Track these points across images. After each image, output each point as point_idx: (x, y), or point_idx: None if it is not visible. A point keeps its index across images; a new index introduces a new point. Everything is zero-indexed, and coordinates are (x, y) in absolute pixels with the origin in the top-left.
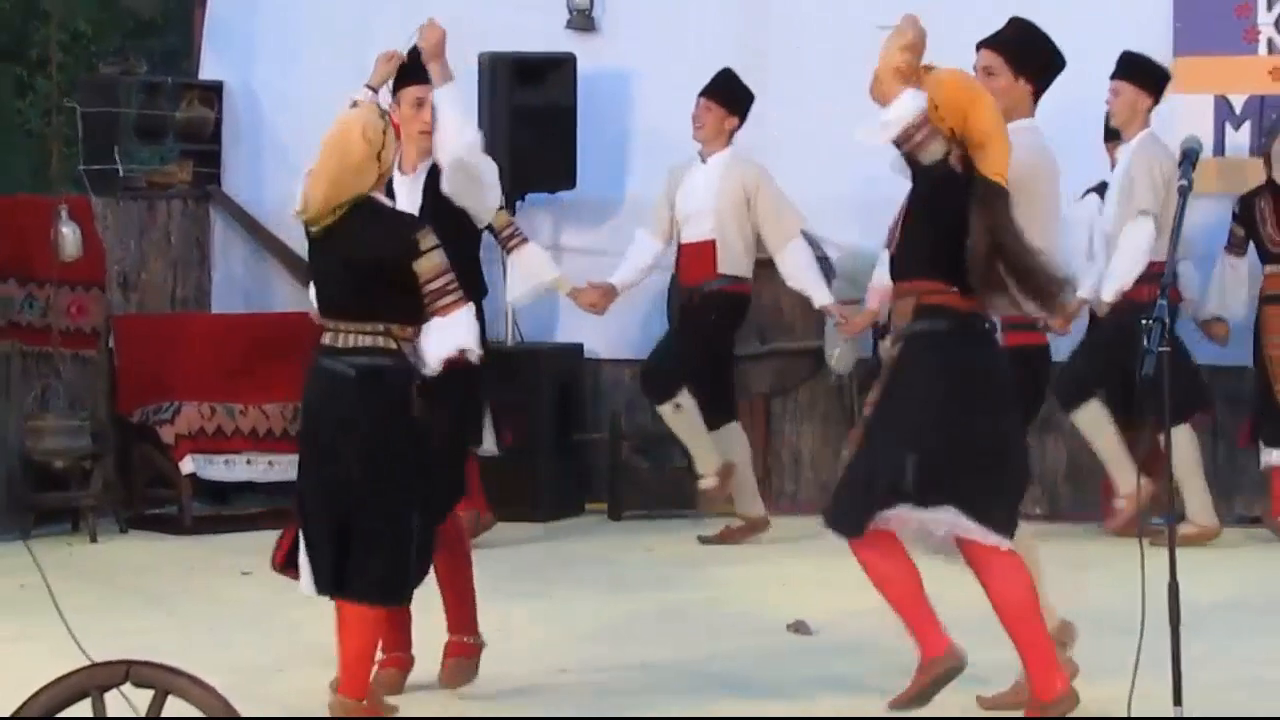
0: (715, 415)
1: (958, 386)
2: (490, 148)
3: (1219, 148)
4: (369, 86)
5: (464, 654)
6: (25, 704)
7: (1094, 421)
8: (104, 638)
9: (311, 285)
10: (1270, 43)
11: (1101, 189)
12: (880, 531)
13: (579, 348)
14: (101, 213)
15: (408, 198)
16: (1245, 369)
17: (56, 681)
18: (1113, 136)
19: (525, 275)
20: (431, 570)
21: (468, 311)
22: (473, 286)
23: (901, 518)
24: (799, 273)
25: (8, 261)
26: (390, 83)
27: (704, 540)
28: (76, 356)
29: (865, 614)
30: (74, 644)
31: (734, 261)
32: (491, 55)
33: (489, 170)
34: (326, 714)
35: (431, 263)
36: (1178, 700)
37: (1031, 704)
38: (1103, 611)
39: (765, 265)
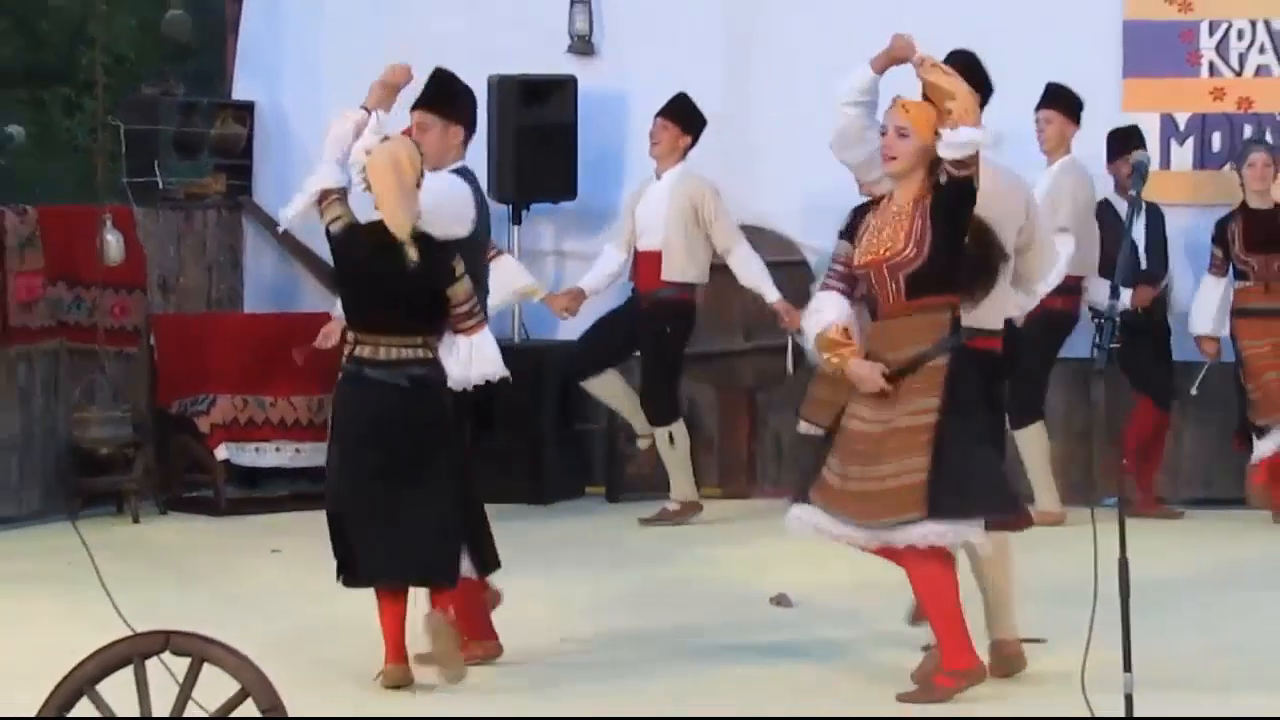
0: (666, 414)
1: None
2: (498, 162)
3: (1164, 162)
4: (365, 108)
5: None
6: (74, 670)
7: (1034, 438)
8: (145, 610)
9: (340, 300)
10: (1211, 66)
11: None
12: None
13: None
14: (142, 221)
15: None
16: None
17: (102, 650)
18: (1119, 154)
19: (501, 283)
20: None
21: (489, 336)
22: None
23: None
24: (750, 273)
25: (57, 266)
26: (387, 107)
27: (644, 521)
28: (119, 353)
29: (840, 588)
30: (118, 616)
31: (679, 270)
32: (500, 77)
33: (451, 204)
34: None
35: (463, 288)
36: (1127, 667)
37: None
38: (1060, 588)
39: (772, 269)
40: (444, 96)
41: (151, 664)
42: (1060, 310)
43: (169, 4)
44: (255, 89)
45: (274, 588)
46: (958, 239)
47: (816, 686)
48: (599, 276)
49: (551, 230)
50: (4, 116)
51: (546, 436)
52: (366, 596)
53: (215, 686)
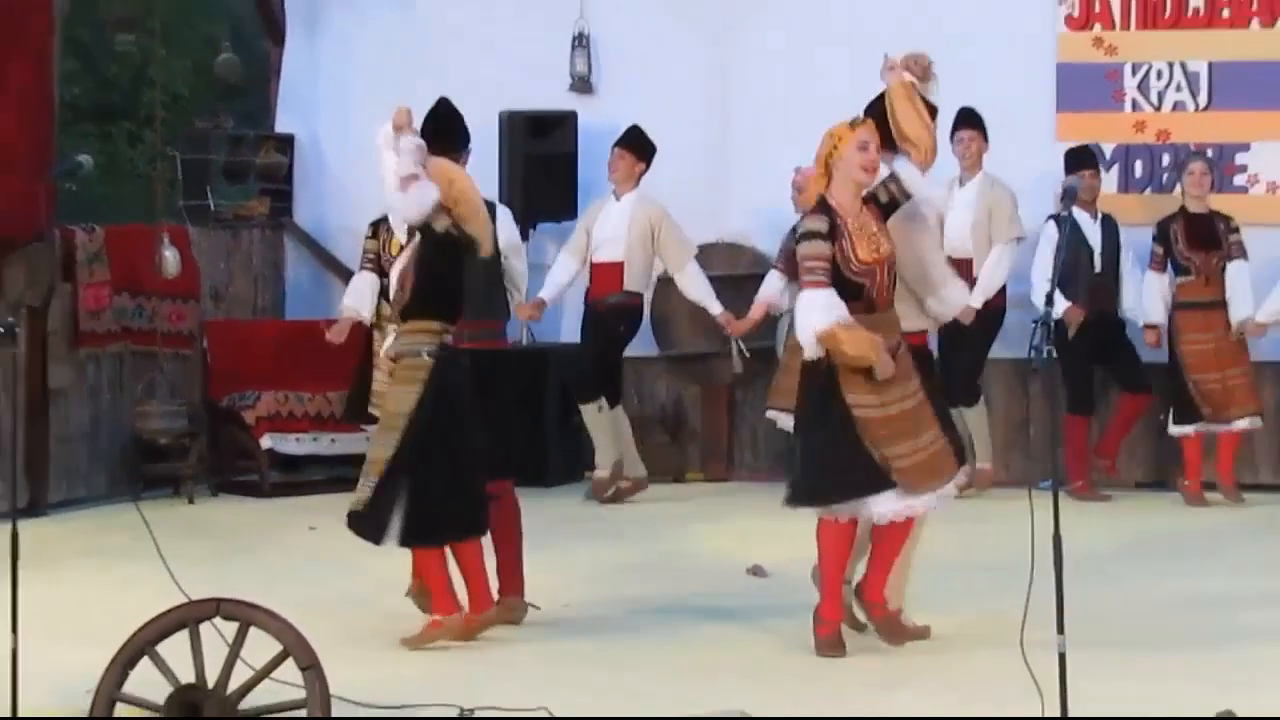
0: (610, 401)
1: None
2: (508, 186)
3: None
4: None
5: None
6: (137, 632)
7: (978, 414)
8: (198, 580)
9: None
10: (1134, 102)
11: (1056, 218)
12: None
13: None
14: (196, 239)
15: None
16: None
17: (161, 615)
18: (1073, 170)
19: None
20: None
21: None
22: (501, 306)
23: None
24: (695, 289)
25: (121, 278)
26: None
27: (603, 502)
28: (176, 354)
29: (809, 560)
30: (175, 585)
31: (635, 280)
32: (509, 112)
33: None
34: (389, 641)
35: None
36: (1060, 629)
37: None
38: (1003, 562)
39: (749, 280)
40: (442, 131)
41: (204, 627)
42: (994, 308)
43: (220, 49)
44: (295, 123)
45: (312, 560)
46: None
47: (786, 644)
48: (555, 286)
49: (555, 246)
50: (75, 148)
51: (550, 426)
52: (391, 566)
53: (260, 647)
